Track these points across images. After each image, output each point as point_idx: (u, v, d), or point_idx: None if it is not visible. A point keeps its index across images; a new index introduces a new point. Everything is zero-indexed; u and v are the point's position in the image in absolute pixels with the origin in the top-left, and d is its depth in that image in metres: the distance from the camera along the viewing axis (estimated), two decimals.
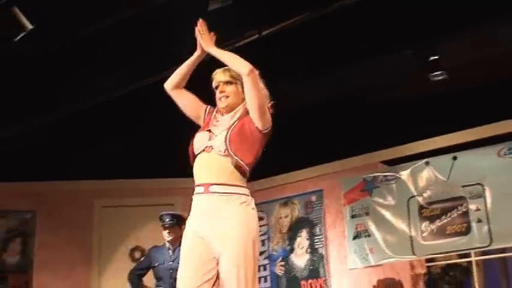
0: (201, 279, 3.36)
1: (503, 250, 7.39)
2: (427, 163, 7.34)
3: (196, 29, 3.73)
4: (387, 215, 7.51)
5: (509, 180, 6.77)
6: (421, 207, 7.30)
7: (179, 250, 6.15)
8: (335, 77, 6.69)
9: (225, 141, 3.50)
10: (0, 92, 6.47)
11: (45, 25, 3.70)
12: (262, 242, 8.51)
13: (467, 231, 6.93)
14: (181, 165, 8.08)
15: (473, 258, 7.31)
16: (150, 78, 5.82)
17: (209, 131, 3.65)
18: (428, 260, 7.56)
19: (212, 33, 3.77)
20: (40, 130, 6.99)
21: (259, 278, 8.45)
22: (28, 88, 6.40)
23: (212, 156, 3.52)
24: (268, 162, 7.97)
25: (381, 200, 7.60)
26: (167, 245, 6.27)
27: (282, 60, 6.22)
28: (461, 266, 7.63)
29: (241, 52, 5.53)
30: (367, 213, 7.67)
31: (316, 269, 8.02)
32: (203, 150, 3.56)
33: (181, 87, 3.79)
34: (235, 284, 3.33)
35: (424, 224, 7.23)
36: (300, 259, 8.19)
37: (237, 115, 3.62)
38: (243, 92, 3.61)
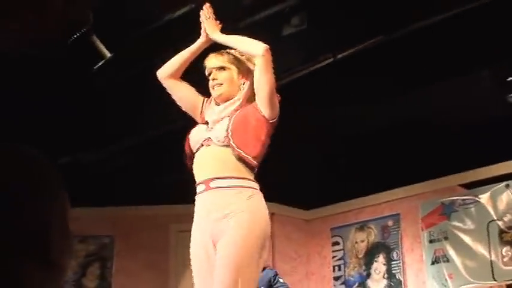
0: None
1: None
2: (507, 186, 7.22)
3: (202, 13, 3.40)
4: (466, 239, 7.39)
5: None
6: (501, 231, 7.17)
7: None
8: (411, 99, 6.67)
9: (227, 130, 3.13)
10: (79, 119, 6.70)
11: (125, 53, 3.82)
12: (338, 267, 8.49)
13: None
14: None
15: None
16: None
17: (206, 123, 3.31)
18: (509, 286, 7.38)
19: (218, 21, 3.40)
20: (118, 156, 7.16)
21: None
22: (107, 114, 6.59)
23: (212, 150, 3.17)
24: (344, 185, 8.07)
25: (459, 224, 7.49)
26: None
27: (356, 83, 6.24)
28: None
29: (316, 76, 5.65)
30: (445, 238, 7.57)
31: None
32: (201, 145, 3.22)
33: (177, 77, 3.42)
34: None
35: (505, 249, 7.10)
36: (377, 284, 8.13)
37: (238, 103, 3.26)
38: (242, 77, 3.29)
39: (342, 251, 8.53)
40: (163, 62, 3.51)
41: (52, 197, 1.02)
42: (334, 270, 8.56)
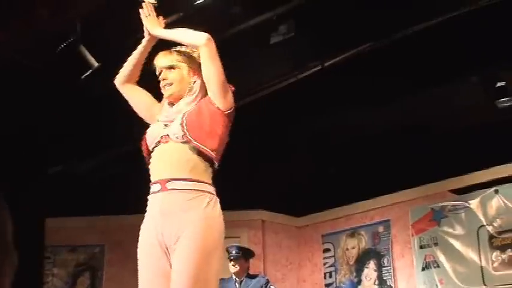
0: None
1: None
2: (496, 191, 7.21)
3: (141, 11, 3.28)
4: (456, 245, 7.39)
5: None
6: (491, 237, 7.16)
7: (246, 282, 6.23)
8: (400, 106, 6.69)
9: (182, 125, 3.02)
10: (70, 128, 6.68)
11: (114, 62, 3.79)
12: (330, 273, 8.48)
13: None
14: (247, 197, 8.20)
15: None
16: None
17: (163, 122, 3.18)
18: None
19: (161, 17, 3.31)
20: (108, 165, 7.14)
21: None
22: (97, 124, 6.57)
23: (170, 147, 3.05)
24: (334, 192, 8.07)
25: (450, 230, 7.49)
26: (233, 277, 6.31)
27: (346, 90, 6.24)
28: None
29: (305, 84, 5.64)
30: (435, 244, 7.57)
31: None
32: (159, 142, 3.09)
33: (132, 82, 3.31)
34: None
35: (494, 254, 7.09)
36: None
37: (190, 100, 3.15)
38: (193, 74, 3.17)
39: (332, 258, 8.51)
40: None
41: None
42: (325, 277, 8.54)
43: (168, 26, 3.43)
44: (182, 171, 2.99)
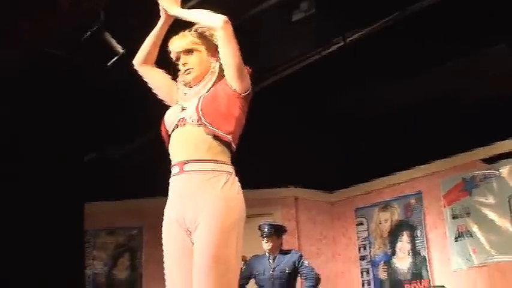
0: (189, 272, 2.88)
1: None
2: None
3: None
4: (489, 214, 7.31)
5: None
6: None
7: (279, 258, 6.23)
8: (427, 78, 6.61)
9: (197, 110, 2.98)
10: (103, 115, 6.71)
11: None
12: (364, 247, 8.46)
13: None
14: (279, 175, 8.17)
15: None
16: None
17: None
18: None
19: None
20: (143, 150, 7.17)
21: (363, 282, 8.40)
22: (130, 109, 6.58)
23: (187, 130, 3.01)
24: (365, 167, 8.01)
25: (481, 199, 7.41)
26: (267, 254, 6.31)
27: (370, 65, 6.18)
28: None
29: (328, 59, 5.58)
30: (468, 214, 7.50)
31: (419, 271, 7.89)
32: (177, 126, 3.05)
33: (150, 63, 3.25)
34: (202, 271, 2.82)
35: None
36: (402, 262, 8.08)
37: (209, 84, 3.09)
38: (211, 56, 3.11)
39: (366, 232, 8.49)
40: None
41: None
42: (359, 251, 8.52)
43: (187, 7, 3.38)
44: (199, 152, 2.96)
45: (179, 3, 3.18)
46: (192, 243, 2.93)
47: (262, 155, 7.22)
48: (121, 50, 4.96)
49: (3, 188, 6.48)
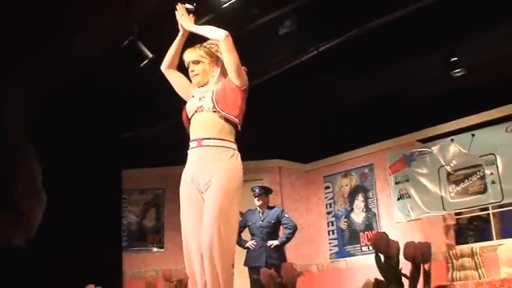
0: (201, 222, 2.96)
1: None
2: (452, 140, 7.13)
3: (177, 12, 3.27)
4: (423, 180, 7.34)
5: None
6: (448, 174, 7.11)
7: (266, 212, 6.23)
8: (380, 78, 6.59)
9: (212, 100, 3.07)
10: (136, 103, 6.68)
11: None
12: (330, 204, 8.47)
13: (484, 190, 6.74)
14: (267, 151, 8.13)
15: (490, 211, 7.08)
16: None
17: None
18: (456, 214, 7.36)
19: (192, 14, 3.30)
20: (165, 131, 7.12)
21: (328, 231, 8.41)
22: (158, 99, 6.54)
23: (204, 115, 3.08)
24: (332, 144, 8.00)
25: (418, 170, 7.44)
26: (258, 209, 6.32)
27: (338, 67, 6.15)
28: (482, 217, 7.36)
29: (303, 65, 5.53)
30: (407, 180, 7.52)
31: (370, 223, 7.92)
32: (195, 111, 3.13)
33: (173, 68, 3.30)
34: (211, 218, 2.89)
35: (451, 187, 7.04)
36: (358, 216, 8.11)
37: (212, 85, 3.17)
38: (214, 65, 3.18)
39: (331, 193, 8.49)
40: None
41: (21, 159, 0.97)
42: (326, 207, 8.54)
43: (201, 23, 3.39)
44: (213, 132, 3.04)
45: (193, 21, 3.27)
46: (203, 200, 2.99)
47: (255, 135, 7.20)
48: (150, 55, 4.95)
49: (62, 158, 6.43)
